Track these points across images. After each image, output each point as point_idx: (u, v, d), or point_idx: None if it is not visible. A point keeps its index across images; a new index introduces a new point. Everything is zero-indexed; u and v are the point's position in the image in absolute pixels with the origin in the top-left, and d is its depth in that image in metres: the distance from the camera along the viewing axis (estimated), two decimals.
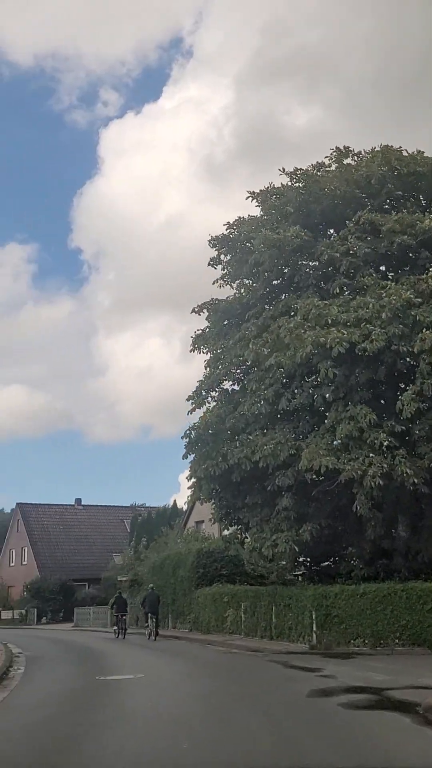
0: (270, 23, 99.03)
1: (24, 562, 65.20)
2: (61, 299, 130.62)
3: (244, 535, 27.04)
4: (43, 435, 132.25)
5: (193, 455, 24.55)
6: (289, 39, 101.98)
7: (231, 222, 25.88)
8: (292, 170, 24.84)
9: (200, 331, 26.59)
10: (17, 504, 67.85)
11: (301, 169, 24.89)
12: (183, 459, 24.91)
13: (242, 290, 26.06)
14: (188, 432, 24.40)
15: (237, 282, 26.38)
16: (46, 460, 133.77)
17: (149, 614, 30.00)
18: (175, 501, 74.26)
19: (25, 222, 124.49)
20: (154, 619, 29.56)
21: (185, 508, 51.99)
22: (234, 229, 25.77)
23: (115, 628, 32.92)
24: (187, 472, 25.30)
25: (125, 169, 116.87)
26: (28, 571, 61.84)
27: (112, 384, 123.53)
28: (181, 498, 75.12)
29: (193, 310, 26.09)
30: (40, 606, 55.59)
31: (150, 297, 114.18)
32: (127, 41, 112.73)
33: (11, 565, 67.81)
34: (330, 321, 20.36)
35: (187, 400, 25.25)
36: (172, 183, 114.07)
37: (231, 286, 26.40)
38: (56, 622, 54.01)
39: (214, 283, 26.10)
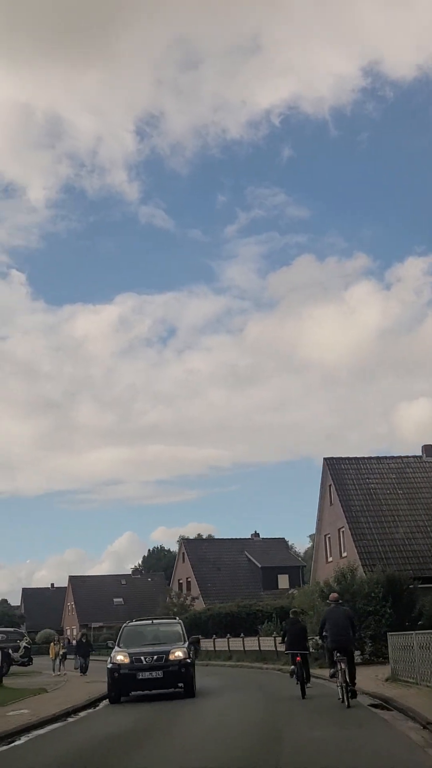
0: None
1: (344, 554, 38.95)
2: None
3: None
4: None
5: None
6: None
7: None
8: None
9: None
10: (324, 459, 42.02)
11: None
12: None
13: None
14: None
15: None
16: None
17: (335, 652, 16.04)
18: None
19: (423, 234, 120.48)
20: (343, 664, 15.71)
21: None
22: None
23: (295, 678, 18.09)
24: None
25: None
26: (349, 566, 35.44)
27: None
28: None
29: None
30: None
31: None
32: None
33: (329, 560, 41.88)
34: None
35: None
36: None
37: None
38: (375, 656, 27.31)
39: None
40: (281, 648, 22.44)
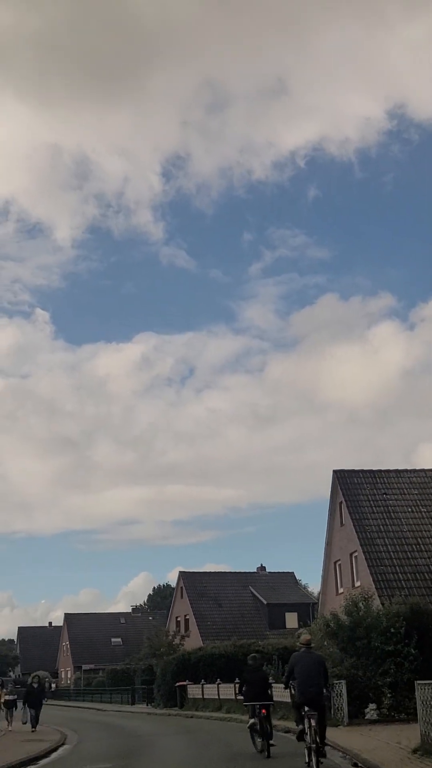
0: None
1: (357, 583, 32.62)
2: None
3: None
4: None
5: None
6: None
7: None
8: None
9: None
10: (334, 471, 35.80)
11: None
12: None
13: None
14: None
15: None
16: None
17: (303, 707, 13.62)
18: None
19: None
20: (312, 720, 13.36)
21: None
22: None
23: (254, 734, 16.68)
24: None
25: None
26: (362, 594, 29.07)
27: None
28: None
29: None
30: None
31: None
32: None
33: (339, 591, 35.43)
34: None
35: None
36: None
37: None
38: (396, 711, 21.11)
39: None
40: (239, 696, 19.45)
